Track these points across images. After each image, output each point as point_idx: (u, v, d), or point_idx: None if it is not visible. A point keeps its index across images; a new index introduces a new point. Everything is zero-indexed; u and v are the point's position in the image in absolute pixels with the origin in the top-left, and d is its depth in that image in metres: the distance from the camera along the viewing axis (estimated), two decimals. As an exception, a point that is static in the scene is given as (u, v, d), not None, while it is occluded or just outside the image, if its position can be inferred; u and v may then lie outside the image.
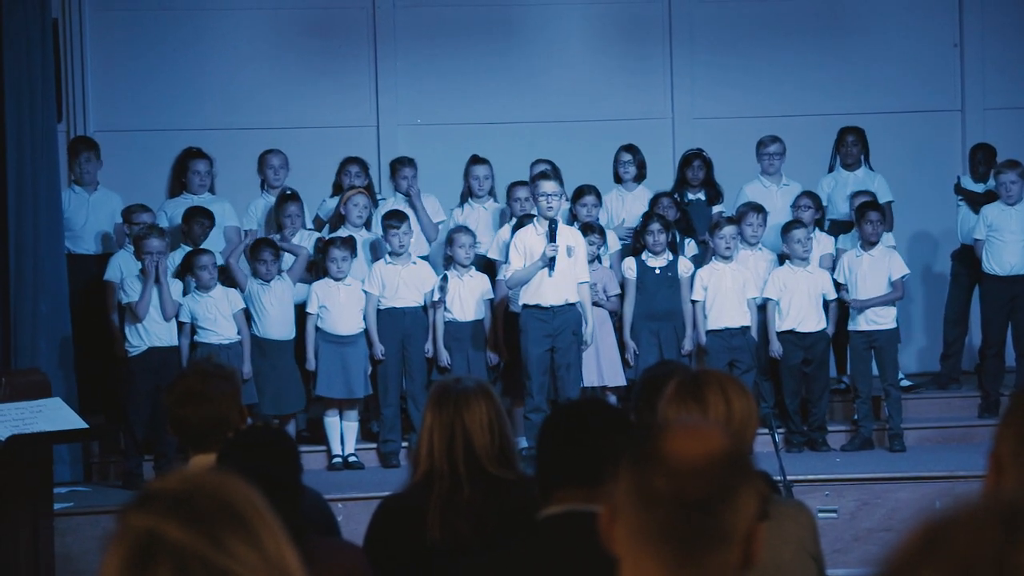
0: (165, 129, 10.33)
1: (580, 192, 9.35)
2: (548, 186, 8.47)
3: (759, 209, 9.32)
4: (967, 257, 9.79)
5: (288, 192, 9.38)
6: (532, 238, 8.50)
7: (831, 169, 10.06)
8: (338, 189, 9.69)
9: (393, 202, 9.53)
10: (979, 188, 9.92)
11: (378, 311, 9.01)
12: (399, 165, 9.64)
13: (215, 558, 1.59)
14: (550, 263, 8.39)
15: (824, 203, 9.74)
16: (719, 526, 1.81)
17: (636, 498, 1.83)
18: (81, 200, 9.27)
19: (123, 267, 8.81)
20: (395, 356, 9.00)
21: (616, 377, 8.97)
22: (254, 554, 1.61)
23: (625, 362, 9.09)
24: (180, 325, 8.73)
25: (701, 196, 9.82)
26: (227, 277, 9.04)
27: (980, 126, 10.85)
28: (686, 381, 3.10)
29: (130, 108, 10.54)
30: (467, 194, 9.69)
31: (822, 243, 9.42)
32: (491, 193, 9.70)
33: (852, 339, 9.24)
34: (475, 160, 9.66)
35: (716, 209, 9.73)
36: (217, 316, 8.75)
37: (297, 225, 9.26)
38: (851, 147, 9.94)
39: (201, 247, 8.98)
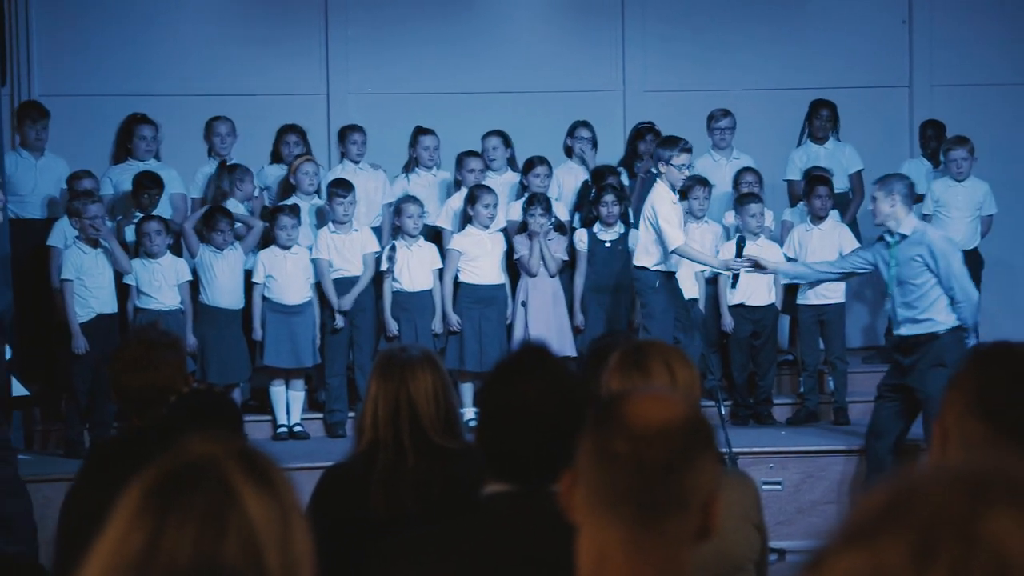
0: (111, 94, 10.22)
1: (531, 163, 9.33)
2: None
3: (704, 183, 9.35)
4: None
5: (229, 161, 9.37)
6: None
7: (800, 143, 10.08)
8: (277, 157, 9.65)
9: (341, 170, 9.50)
10: (928, 166, 9.98)
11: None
12: (349, 131, 9.60)
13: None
14: (734, 280, 8.45)
15: (799, 177, 9.80)
16: (679, 490, 1.82)
17: (597, 461, 1.84)
18: (28, 165, 9.19)
19: (67, 233, 8.73)
20: (343, 326, 8.98)
21: (567, 347, 8.97)
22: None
23: (576, 330, 9.11)
24: (126, 288, 8.70)
25: (653, 170, 9.80)
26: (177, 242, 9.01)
27: (928, 102, 10.91)
28: (629, 351, 3.09)
29: (76, 72, 10.42)
30: (413, 164, 9.65)
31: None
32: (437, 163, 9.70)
33: (800, 312, 9.28)
34: (422, 131, 9.61)
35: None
36: (162, 284, 8.70)
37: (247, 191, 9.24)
38: (825, 121, 9.98)
39: (149, 213, 8.92)
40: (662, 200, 8.27)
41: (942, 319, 7.60)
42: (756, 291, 9.16)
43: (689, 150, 8.42)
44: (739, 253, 8.24)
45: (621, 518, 1.81)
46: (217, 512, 1.64)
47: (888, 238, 7.73)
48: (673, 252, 8.26)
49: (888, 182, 7.74)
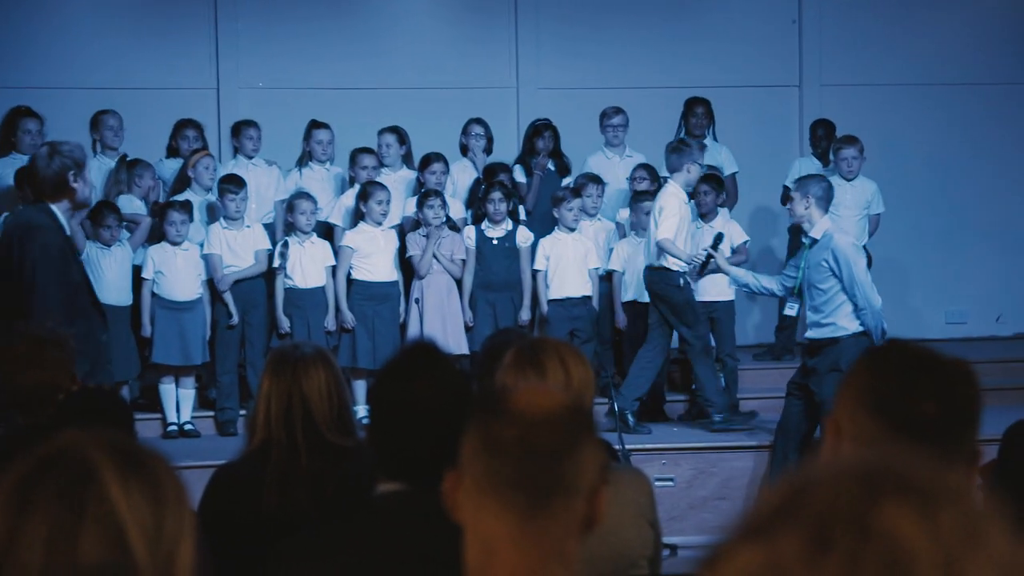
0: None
1: (427, 160, 9.31)
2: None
3: (598, 180, 9.39)
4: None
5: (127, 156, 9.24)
6: None
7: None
8: (173, 152, 9.53)
9: (233, 166, 9.40)
10: (817, 165, 10.11)
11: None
12: (244, 127, 9.51)
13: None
14: (701, 268, 8.37)
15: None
16: (565, 476, 1.84)
17: (484, 449, 1.86)
18: None
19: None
20: (237, 322, 8.89)
21: (461, 345, 8.95)
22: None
23: (466, 327, 9.10)
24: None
25: (551, 167, 9.82)
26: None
27: (817, 101, 11.07)
28: (524, 349, 3.09)
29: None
30: (306, 158, 9.58)
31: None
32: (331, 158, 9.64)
33: (691, 309, 9.35)
34: (316, 124, 9.55)
35: (566, 180, 9.75)
36: (48, 280, 8.55)
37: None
38: (701, 119, 10.04)
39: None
40: (674, 198, 8.46)
41: (844, 324, 7.66)
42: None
43: (702, 148, 8.90)
44: (715, 246, 8.35)
45: (509, 506, 1.82)
46: (75, 501, 1.59)
47: (804, 240, 7.83)
48: (658, 243, 8.43)
49: (805, 183, 7.82)
